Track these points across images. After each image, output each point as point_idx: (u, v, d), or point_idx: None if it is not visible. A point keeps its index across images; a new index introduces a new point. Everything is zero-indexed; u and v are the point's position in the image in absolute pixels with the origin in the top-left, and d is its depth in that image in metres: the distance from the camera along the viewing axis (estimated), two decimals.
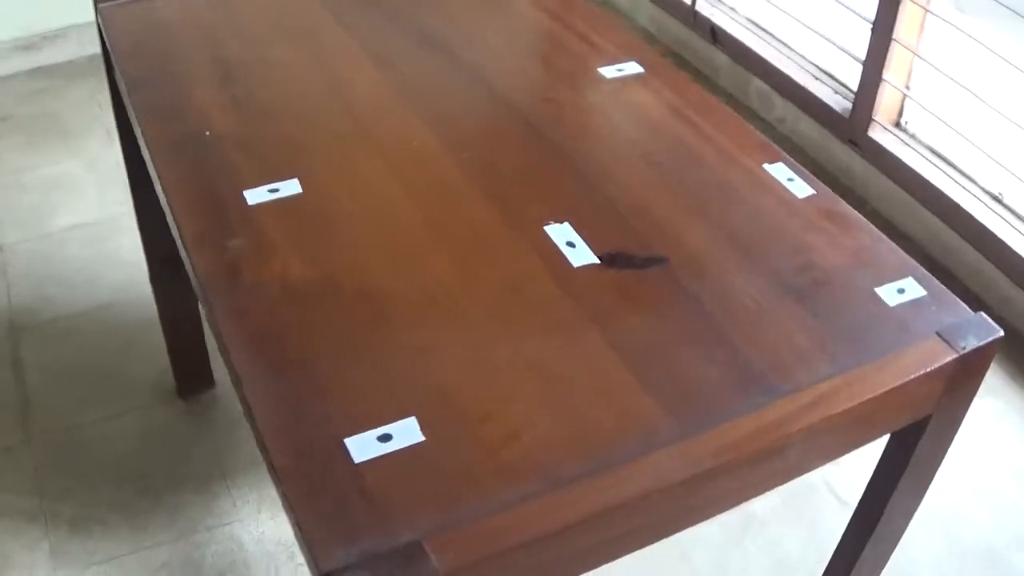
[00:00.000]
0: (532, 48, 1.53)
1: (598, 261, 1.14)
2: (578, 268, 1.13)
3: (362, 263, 1.13)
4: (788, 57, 2.54)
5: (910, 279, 1.15)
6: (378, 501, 0.90)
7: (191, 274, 1.14)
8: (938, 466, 1.20)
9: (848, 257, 1.17)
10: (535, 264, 1.14)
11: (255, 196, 1.21)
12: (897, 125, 2.30)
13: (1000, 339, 1.09)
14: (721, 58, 2.74)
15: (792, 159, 1.32)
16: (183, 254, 1.17)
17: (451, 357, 1.03)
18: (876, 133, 2.28)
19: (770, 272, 1.14)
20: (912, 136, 2.30)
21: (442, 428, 0.96)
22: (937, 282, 1.15)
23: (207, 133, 1.31)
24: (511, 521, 0.89)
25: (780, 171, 1.30)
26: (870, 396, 1.01)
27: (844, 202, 1.26)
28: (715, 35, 2.71)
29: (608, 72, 1.47)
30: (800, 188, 1.27)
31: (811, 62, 2.51)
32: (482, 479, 0.92)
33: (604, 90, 1.44)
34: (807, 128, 2.49)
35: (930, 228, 2.22)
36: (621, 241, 1.17)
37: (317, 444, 0.95)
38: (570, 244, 1.16)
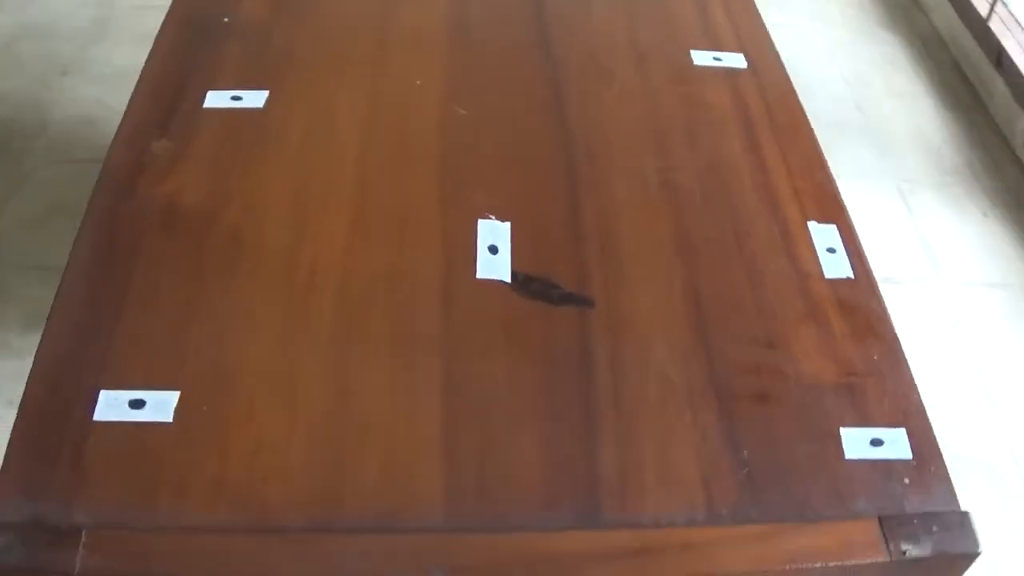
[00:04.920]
0: (634, 9, 1.21)
1: (508, 280, 0.87)
2: (479, 280, 0.86)
3: (262, 204, 0.92)
4: None
5: (900, 432, 0.78)
6: (83, 469, 0.73)
7: (104, 159, 0.99)
8: None
9: (834, 372, 0.82)
10: (435, 260, 0.88)
11: (215, 99, 1.02)
12: None
13: (973, 556, 0.72)
14: (999, 85, 2.20)
15: (851, 225, 0.95)
16: (114, 136, 1.01)
17: (263, 341, 0.81)
18: None
19: (712, 360, 0.82)
20: None
21: (197, 416, 0.76)
22: (938, 449, 0.78)
23: (226, 20, 1.13)
24: (184, 548, 0.69)
25: (826, 235, 0.94)
26: (722, 571, 0.69)
27: (882, 300, 0.89)
28: (1000, 59, 2.18)
29: (700, 58, 1.14)
30: (836, 265, 0.91)
31: None
32: (193, 491, 0.71)
33: (678, 77, 1.11)
34: None
35: None
36: (555, 264, 0.88)
37: (76, 383, 0.78)
38: (492, 249, 0.89)
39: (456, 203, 0.93)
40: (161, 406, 0.76)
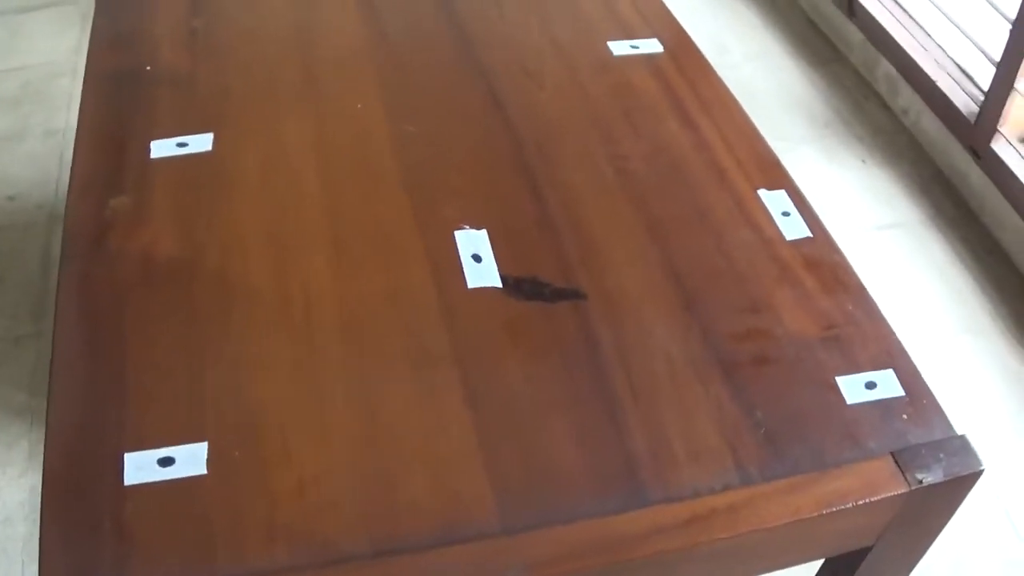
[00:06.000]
0: (544, 10, 1.25)
1: (499, 285, 0.90)
2: (472, 290, 0.89)
3: (238, 245, 0.92)
4: (922, 45, 2.13)
5: (889, 372, 0.85)
6: (127, 537, 0.72)
7: (63, 224, 0.97)
8: None
9: (817, 327, 0.88)
10: (423, 278, 0.90)
11: (161, 149, 1.01)
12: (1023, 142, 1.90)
13: (978, 474, 0.79)
14: (855, 34, 2.34)
15: (798, 188, 1.02)
16: (66, 201, 0.99)
17: (277, 378, 0.81)
18: (999, 145, 1.88)
19: (706, 332, 0.87)
20: None
21: (231, 463, 0.76)
22: (925, 382, 0.85)
23: (148, 68, 1.12)
24: None
25: (777, 201, 1.00)
26: (768, 525, 0.74)
27: (842, 254, 0.96)
28: (852, 8, 2.32)
29: (618, 48, 1.19)
30: (793, 227, 0.98)
31: (948, 55, 2.10)
32: (248, 538, 0.72)
33: (602, 69, 1.16)
34: (929, 125, 2.10)
35: None
36: (538, 263, 0.92)
37: (97, 451, 0.77)
38: (476, 258, 0.92)
39: (428, 218, 0.95)
40: (192, 459, 0.76)
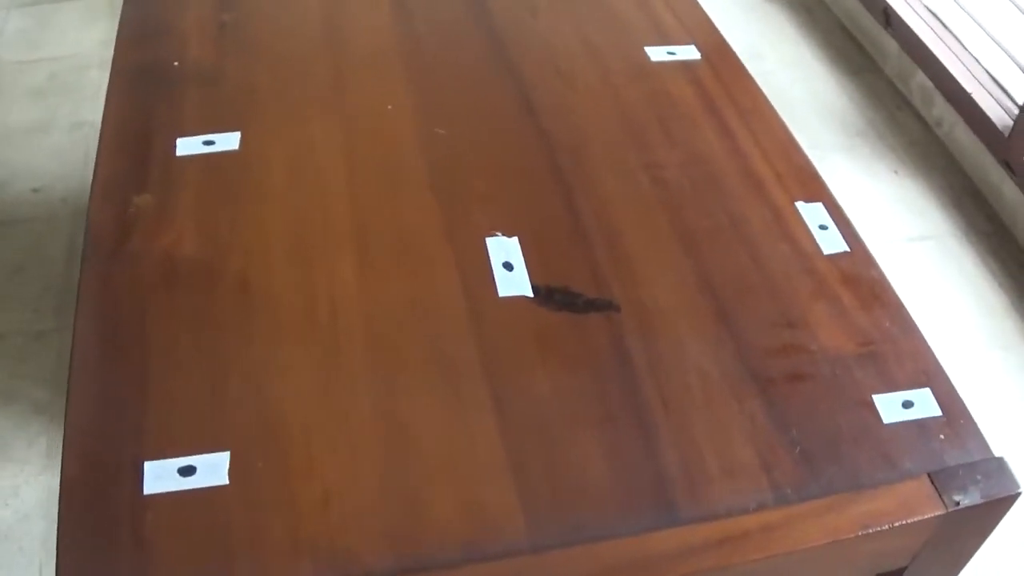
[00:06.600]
0: (579, 13, 1.24)
1: (530, 294, 0.88)
2: (503, 299, 0.88)
3: (262, 248, 0.91)
4: (958, 57, 2.10)
5: (926, 391, 0.83)
6: (145, 547, 0.71)
7: (86, 222, 0.96)
8: None
9: (854, 344, 0.86)
10: (454, 285, 0.89)
11: (187, 147, 1.01)
12: None
13: (1015, 496, 0.77)
14: (890, 44, 2.32)
15: (836, 201, 1.00)
16: (89, 198, 0.99)
17: (301, 387, 0.80)
18: None
19: (741, 347, 0.85)
20: None
21: (254, 474, 0.75)
22: (962, 402, 0.83)
23: (175, 63, 1.11)
24: None
25: (814, 214, 0.98)
26: (803, 546, 0.73)
27: (880, 268, 0.94)
28: (888, 18, 2.30)
29: (656, 54, 1.17)
30: (831, 241, 0.96)
31: (984, 67, 2.07)
32: (269, 551, 0.70)
33: (639, 75, 1.14)
34: (963, 137, 2.07)
35: None
36: (571, 272, 0.90)
37: (116, 459, 0.76)
38: (507, 266, 0.90)
39: (458, 224, 0.94)
40: (213, 469, 0.75)
